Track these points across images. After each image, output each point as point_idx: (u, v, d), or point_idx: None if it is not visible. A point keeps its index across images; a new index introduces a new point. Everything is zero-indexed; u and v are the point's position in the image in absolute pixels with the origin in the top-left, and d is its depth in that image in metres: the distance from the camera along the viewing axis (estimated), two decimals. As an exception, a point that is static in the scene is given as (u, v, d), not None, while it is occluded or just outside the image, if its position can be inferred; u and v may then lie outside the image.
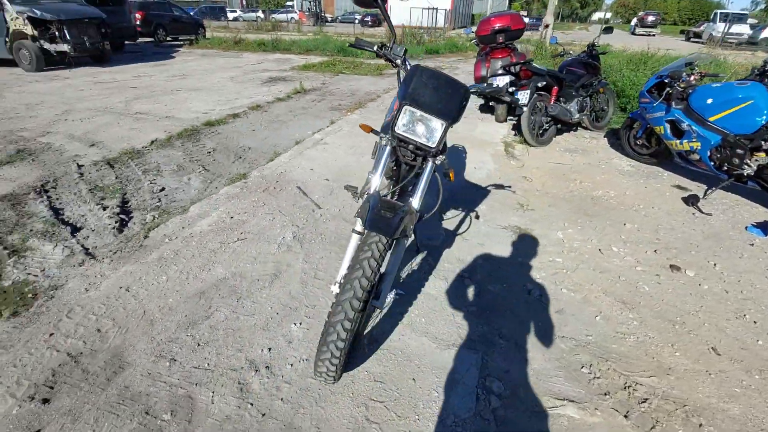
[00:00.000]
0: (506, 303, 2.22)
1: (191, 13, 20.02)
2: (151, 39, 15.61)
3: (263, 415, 1.55)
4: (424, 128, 1.58)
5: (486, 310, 2.15)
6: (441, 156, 1.70)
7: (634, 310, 2.20)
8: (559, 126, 4.96)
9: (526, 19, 13.60)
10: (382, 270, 1.68)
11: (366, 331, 1.95)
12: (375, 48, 1.88)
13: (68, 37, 8.66)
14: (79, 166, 3.90)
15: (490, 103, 5.42)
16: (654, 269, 2.57)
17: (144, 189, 3.56)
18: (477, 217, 3.13)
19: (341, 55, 12.58)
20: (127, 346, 1.87)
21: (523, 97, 4.46)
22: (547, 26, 12.53)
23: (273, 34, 16.54)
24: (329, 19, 39.68)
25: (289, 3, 44.29)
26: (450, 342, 1.93)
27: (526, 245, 2.79)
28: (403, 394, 1.65)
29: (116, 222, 3.01)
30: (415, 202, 1.68)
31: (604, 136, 5.28)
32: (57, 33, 8.60)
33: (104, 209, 3.19)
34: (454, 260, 2.56)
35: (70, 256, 2.61)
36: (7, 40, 8.37)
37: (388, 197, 1.74)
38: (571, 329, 2.05)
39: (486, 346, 1.92)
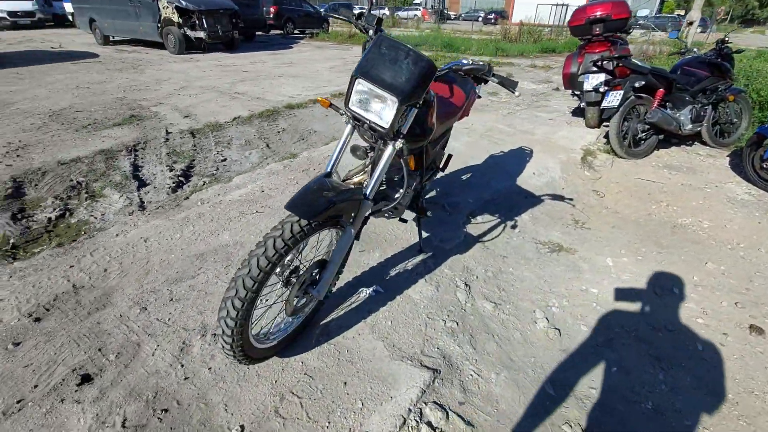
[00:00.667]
0: (499, 327, 1.89)
1: (321, 10, 21.64)
2: (281, 31, 17.23)
3: (186, 378, 1.55)
4: (378, 105, 1.40)
5: (469, 330, 1.86)
6: (399, 140, 1.49)
7: (668, 371, 1.70)
8: (661, 137, 4.12)
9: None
10: (325, 258, 1.55)
11: (323, 322, 1.84)
12: (352, 18, 1.73)
13: (205, 26, 10.01)
14: (168, 133, 4.46)
15: (582, 105, 4.76)
16: (723, 326, 1.95)
17: (210, 158, 3.91)
18: (514, 226, 2.75)
19: (445, 51, 12.32)
20: (118, 288, 2.06)
21: (614, 98, 3.80)
22: (691, 24, 10.52)
23: (386, 30, 16.92)
24: (452, 16, 39.32)
25: (416, 1, 45.07)
26: (407, 354, 1.71)
27: (559, 266, 2.36)
28: (327, 396, 1.51)
29: (174, 183, 3.35)
30: (368, 190, 1.51)
31: (728, 155, 4.23)
32: (197, 21, 10.00)
33: (171, 170, 3.58)
34: (459, 268, 2.28)
35: (127, 206, 2.98)
36: (159, 25, 10.01)
37: (354, 181, 1.58)
38: (572, 376, 1.66)
39: (447, 369, 1.65)
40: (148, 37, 10.65)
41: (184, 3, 9.63)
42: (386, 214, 1.99)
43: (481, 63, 1.55)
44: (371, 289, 2.03)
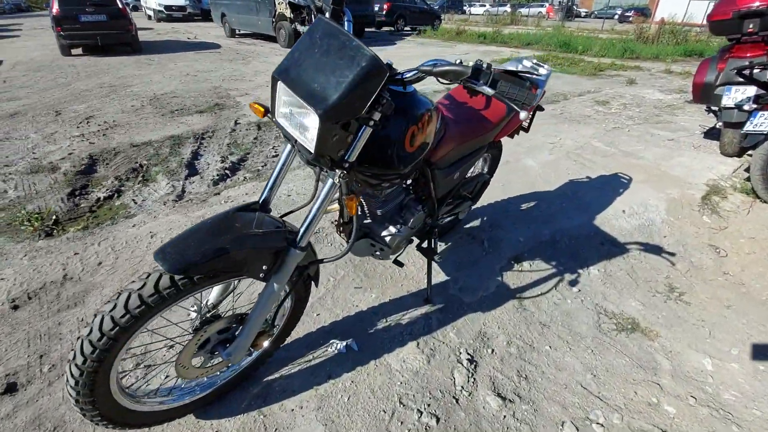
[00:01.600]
0: (495, 436, 1.34)
1: (435, 6, 21.26)
2: (391, 27, 17.28)
3: (89, 419, 1.34)
4: (303, 120, 0.97)
5: None
6: (339, 171, 1.03)
7: None
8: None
9: None
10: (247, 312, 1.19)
11: (267, 378, 1.49)
12: None
13: (313, 21, 10.35)
14: (236, 123, 4.53)
15: (718, 125, 3.64)
16: None
17: (264, 153, 3.84)
18: (573, 283, 2.08)
19: (560, 50, 10.98)
20: (99, 287, 1.97)
21: (765, 121, 2.74)
22: None
23: (499, 28, 15.84)
24: (582, 13, 35.66)
25: (544, -4, 41.97)
26: (350, 451, 1.27)
27: (623, 356, 1.67)
28: (221, 491, 1.16)
29: (219, 175, 3.32)
30: (299, 234, 1.10)
31: None
32: (306, 17, 10.38)
33: (222, 162, 3.57)
34: (471, 333, 1.74)
35: (168, 194, 3.00)
36: (273, 20, 10.63)
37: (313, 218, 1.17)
38: None
39: (396, 491, 1.18)
40: (265, 30, 11.43)
41: (296, -1, 10.07)
42: (375, 253, 1.55)
43: (473, 64, 1.01)
44: (344, 343, 1.62)
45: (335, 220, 1.41)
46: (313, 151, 0.97)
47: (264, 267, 1.06)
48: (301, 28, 10.73)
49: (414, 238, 1.78)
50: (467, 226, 2.50)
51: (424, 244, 1.80)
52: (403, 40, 13.87)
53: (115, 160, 3.57)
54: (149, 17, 20.41)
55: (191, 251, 0.94)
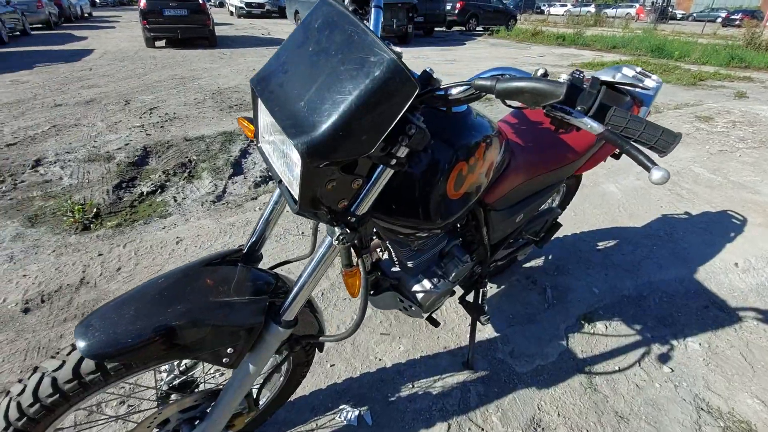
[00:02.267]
0: None
1: (510, 6, 20.22)
2: (461, 27, 16.68)
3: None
4: (288, 153, 0.65)
5: None
6: (338, 230, 0.71)
7: None
8: None
9: None
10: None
11: (259, 448, 1.22)
12: None
13: (381, 19, 10.15)
14: (288, 122, 4.40)
15: None
16: None
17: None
18: (663, 358, 1.60)
19: (651, 56, 9.79)
20: (112, 295, 1.84)
21: None
22: None
23: (581, 29, 14.63)
24: (678, 15, 32.25)
25: (634, -3, 38.57)
26: None
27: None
28: None
29: (261, 177, 3.17)
30: (286, 308, 0.80)
31: None
32: (374, 14, 10.21)
33: (267, 163, 3.42)
34: (519, 420, 1.34)
35: (209, 194, 2.90)
36: (342, 18, 10.60)
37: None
38: None
39: None
40: (333, 28, 11.45)
41: (365, -5, 9.92)
42: (403, 309, 1.23)
43: (567, 77, 0.61)
44: (356, 412, 1.30)
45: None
46: (297, 200, 0.66)
47: (229, 351, 0.77)
48: (369, 26, 10.62)
49: (457, 288, 1.43)
50: (526, 265, 2.07)
51: (470, 297, 1.44)
52: (474, 41, 13.27)
53: (167, 154, 3.56)
54: (231, 13, 21.58)
55: (122, 328, 0.67)
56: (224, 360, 0.77)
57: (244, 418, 0.98)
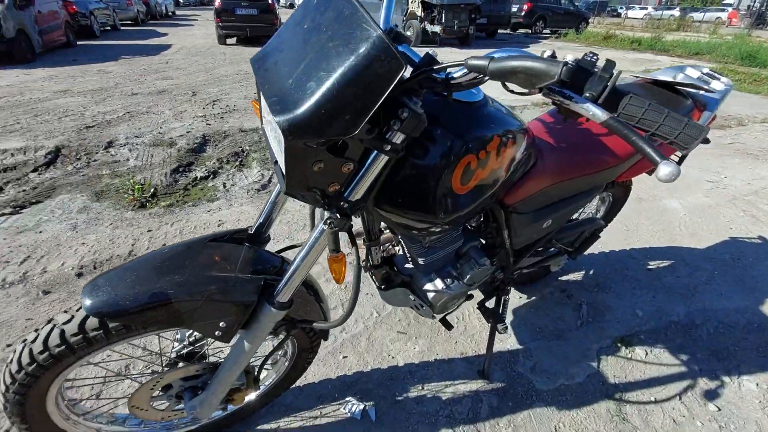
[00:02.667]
0: None
1: (582, 8, 19.16)
2: (527, 30, 16.10)
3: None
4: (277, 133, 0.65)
5: None
6: (330, 212, 0.69)
7: None
8: None
9: None
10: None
11: (262, 427, 1.24)
12: None
13: (442, 20, 10.05)
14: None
15: None
16: None
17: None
18: (710, 395, 1.43)
19: (740, 64, 8.83)
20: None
21: None
22: None
23: (660, 33, 13.53)
24: (782, 20, 28.75)
25: (727, 1, 35.00)
26: None
27: None
28: None
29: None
30: (279, 290, 0.80)
31: None
32: (436, 15, 10.13)
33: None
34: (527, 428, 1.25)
35: (255, 182, 3.04)
36: (404, 18, 10.61)
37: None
38: None
39: None
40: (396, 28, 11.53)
41: (430, -3, 9.88)
42: (414, 307, 1.19)
43: (571, 58, 0.55)
44: (361, 406, 1.29)
45: (364, 260, 1.09)
46: (283, 181, 0.66)
47: (222, 325, 0.79)
48: (429, 27, 10.55)
49: (476, 291, 1.37)
50: (562, 277, 1.94)
51: (489, 303, 1.37)
52: (539, 44, 12.74)
53: (223, 143, 3.77)
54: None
55: (123, 292, 0.72)
56: (216, 333, 0.80)
57: (243, 394, 1.00)
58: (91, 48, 9.32)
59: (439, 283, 1.09)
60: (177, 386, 0.94)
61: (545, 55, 0.58)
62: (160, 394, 0.94)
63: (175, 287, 0.74)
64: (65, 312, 0.78)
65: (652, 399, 1.41)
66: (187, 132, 3.94)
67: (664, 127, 0.52)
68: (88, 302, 0.71)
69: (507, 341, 1.58)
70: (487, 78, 0.63)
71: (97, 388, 1.31)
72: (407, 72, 0.56)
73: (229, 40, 10.29)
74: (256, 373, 1.01)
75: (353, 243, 0.77)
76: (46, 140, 3.56)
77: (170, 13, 21.14)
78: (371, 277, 1.13)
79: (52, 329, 0.75)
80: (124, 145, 3.56)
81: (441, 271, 1.10)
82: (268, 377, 1.19)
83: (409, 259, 1.09)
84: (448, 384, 1.40)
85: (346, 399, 1.32)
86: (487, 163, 0.82)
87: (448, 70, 0.65)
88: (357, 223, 0.94)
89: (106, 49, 9.16)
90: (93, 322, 0.74)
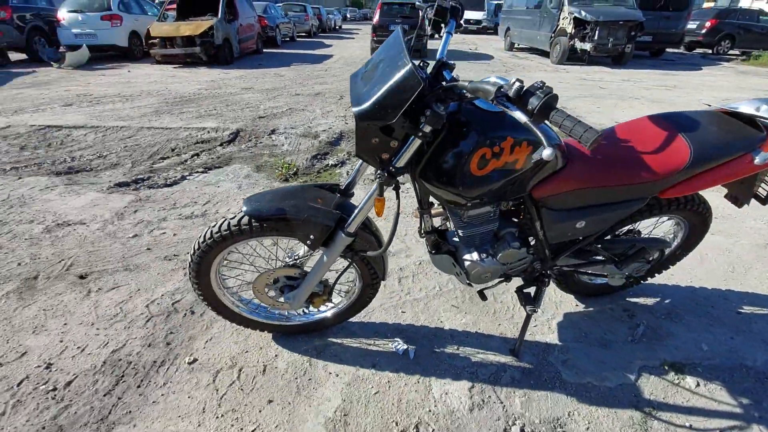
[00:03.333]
0: None
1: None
2: (706, 50, 13.96)
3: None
4: None
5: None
6: (380, 173, 1.11)
7: None
8: None
9: None
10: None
11: (332, 339, 1.67)
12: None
13: (595, 37, 9.49)
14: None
15: None
16: None
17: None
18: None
19: None
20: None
21: None
22: None
23: None
24: None
25: None
26: (345, 436, 1.33)
27: None
28: (236, 406, 1.44)
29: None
30: (349, 222, 1.26)
31: None
32: (589, 32, 9.61)
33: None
34: (541, 412, 1.41)
35: (370, 174, 3.61)
36: (552, 35, 10.33)
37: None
38: None
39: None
40: (541, 45, 11.29)
41: (583, 13, 9.45)
42: (456, 274, 1.50)
43: (514, 82, 0.82)
44: (404, 347, 1.63)
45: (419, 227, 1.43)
46: (356, 147, 1.07)
47: (312, 236, 1.25)
48: (579, 45, 10.05)
49: (517, 278, 1.58)
50: (632, 299, 1.96)
51: (528, 289, 1.57)
52: (716, 66, 10.98)
53: (351, 141, 4.46)
54: (449, 28, 23.28)
55: (265, 205, 1.23)
56: (308, 242, 1.26)
57: (320, 299, 1.46)
58: (273, 55, 11.43)
59: (475, 256, 1.37)
60: (282, 282, 1.44)
61: (513, 83, 0.87)
62: (272, 284, 1.45)
63: (290, 208, 1.22)
64: (232, 215, 1.33)
65: (687, 425, 1.42)
66: (329, 128, 4.75)
67: (574, 131, 0.77)
68: (245, 207, 1.24)
69: (548, 335, 1.73)
70: (459, 93, 0.97)
71: (236, 273, 1.92)
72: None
73: (379, 52, 11.44)
74: (331, 286, 1.46)
75: (397, 196, 1.18)
76: (231, 124, 4.73)
77: (337, 27, 24.13)
78: (425, 242, 1.48)
79: (224, 221, 1.31)
80: (282, 133, 4.51)
81: (479, 247, 1.38)
82: (341, 301, 1.63)
83: (454, 230, 1.40)
84: (481, 352, 1.64)
85: (395, 339, 1.68)
86: (501, 156, 1.09)
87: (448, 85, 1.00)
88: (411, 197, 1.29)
89: (283, 56, 11.14)
90: (245, 219, 1.27)
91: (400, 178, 1.14)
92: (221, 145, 4.15)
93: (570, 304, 1.91)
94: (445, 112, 0.97)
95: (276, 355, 1.61)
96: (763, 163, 1.28)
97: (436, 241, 1.43)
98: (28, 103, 5.56)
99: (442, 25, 1.30)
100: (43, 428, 1.31)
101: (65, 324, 1.74)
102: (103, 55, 9.92)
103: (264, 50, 12.03)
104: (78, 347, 1.63)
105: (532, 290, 1.58)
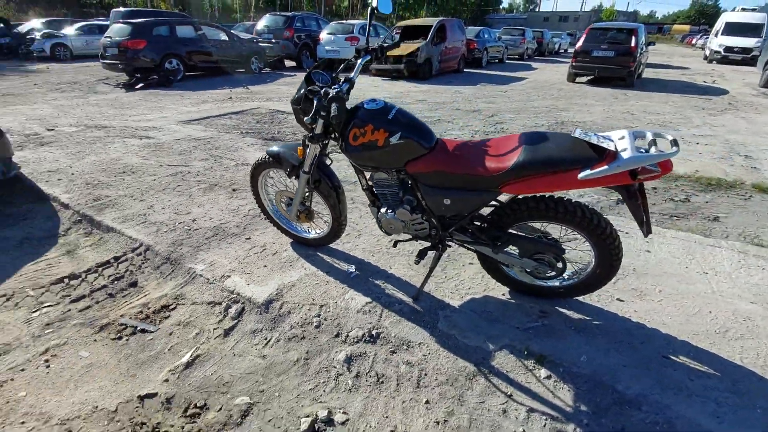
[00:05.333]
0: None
1: None
2: None
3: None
4: None
5: (308, 334, 1.96)
6: (309, 137, 1.99)
7: None
8: None
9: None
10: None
11: (326, 252, 2.56)
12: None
13: None
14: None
15: None
16: None
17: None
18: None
19: None
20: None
21: None
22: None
23: None
24: None
25: None
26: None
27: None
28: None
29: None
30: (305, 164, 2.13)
31: None
32: None
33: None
34: (400, 336, 1.94)
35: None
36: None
37: None
38: None
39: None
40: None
41: None
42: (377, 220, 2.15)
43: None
44: (353, 271, 2.37)
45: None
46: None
47: (288, 169, 2.16)
48: None
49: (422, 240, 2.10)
50: (560, 308, 2.10)
51: (430, 252, 2.07)
52: None
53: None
54: (705, 57, 19.41)
55: (273, 150, 2.24)
56: (286, 172, 2.21)
57: (303, 217, 2.38)
58: (470, 75, 12.51)
59: (383, 210, 2.02)
60: (286, 200, 2.42)
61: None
62: (283, 200, 2.44)
63: (282, 153, 2.20)
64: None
65: (509, 393, 1.69)
66: (461, 134, 5.46)
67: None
68: (266, 150, 2.27)
69: (456, 300, 2.13)
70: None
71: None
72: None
73: (578, 79, 11.02)
74: (310, 208, 2.35)
75: (323, 151, 2.01)
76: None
77: (562, 51, 23.30)
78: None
79: (259, 157, 2.38)
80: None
81: (386, 204, 2.02)
82: (323, 230, 2.49)
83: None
84: (395, 290, 2.21)
85: (351, 265, 2.43)
86: (366, 135, 1.75)
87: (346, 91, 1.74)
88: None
89: (478, 77, 12.06)
90: (265, 156, 2.30)
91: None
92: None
93: (499, 291, 2.23)
94: (322, 104, 1.76)
95: (285, 249, 2.61)
96: (584, 179, 1.50)
97: (371, 197, 2.14)
98: (276, 95, 8.28)
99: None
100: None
101: (211, 207, 3.19)
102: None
103: (465, 70, 13.23)
104: (210, 217, 3.02)
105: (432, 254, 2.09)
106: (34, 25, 16.07)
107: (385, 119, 1.80)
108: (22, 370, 1.81)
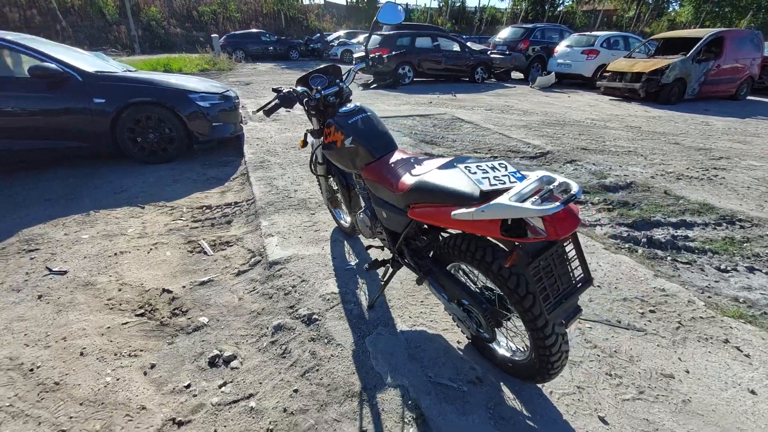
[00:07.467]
0: (257, 312, 2.17)
1: None
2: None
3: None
4: None
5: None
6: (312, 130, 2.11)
7: None
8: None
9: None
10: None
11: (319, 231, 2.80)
12: None
13: None
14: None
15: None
16: None
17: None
18: None
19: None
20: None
21: None
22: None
23: None
24: None
25: None
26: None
27: None
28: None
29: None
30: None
31: None
32: None
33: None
34: (358, 334, 2.01)
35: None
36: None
37: None
38: None
39: (263, 272, 2.51)
40: None
41: None
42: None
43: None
44: (351, 266, 2.52)
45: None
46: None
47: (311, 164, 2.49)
48: None
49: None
50: (507, 392, 1.66)
51: (382, 266, 1.99)
52: None
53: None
54: None
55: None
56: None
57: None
58: (752, 104, 9.22)
59: (357, 212, 2.10)
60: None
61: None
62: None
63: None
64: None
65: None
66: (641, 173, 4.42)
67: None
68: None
69: (404, 322, 2.01)
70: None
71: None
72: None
73: None
74: (333, 195, 2.64)
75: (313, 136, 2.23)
76: (551, 146, 5.38)
77: None
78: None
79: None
80: (616, 174, 4.73)
81: (364, 205, 2.09)
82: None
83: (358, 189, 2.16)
84: (366, 290, 2.26)
85: (355, 257, 2.58)
86: (331, 135, 1.86)
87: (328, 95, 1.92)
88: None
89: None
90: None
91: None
92: (527, 158, 5.02)
93: (461, 337, 1.95)
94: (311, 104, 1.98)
95: (326, 230, 2.97)
96: (456, 218, 1.22)
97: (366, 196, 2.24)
98: (475, 104, 8.45)
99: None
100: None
101: (315, 185, 3.85)
102: (571, 82, 11.89)
103: (750, 98, 9.77)
104: (307, 191, 3.67)
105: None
106: (339, 34, 21.29)
107: (345, 122, 1.88)
108: (137, 248, 2.86)
